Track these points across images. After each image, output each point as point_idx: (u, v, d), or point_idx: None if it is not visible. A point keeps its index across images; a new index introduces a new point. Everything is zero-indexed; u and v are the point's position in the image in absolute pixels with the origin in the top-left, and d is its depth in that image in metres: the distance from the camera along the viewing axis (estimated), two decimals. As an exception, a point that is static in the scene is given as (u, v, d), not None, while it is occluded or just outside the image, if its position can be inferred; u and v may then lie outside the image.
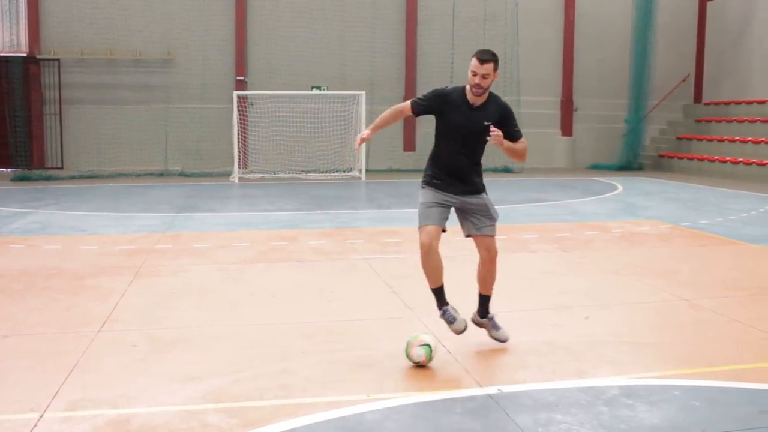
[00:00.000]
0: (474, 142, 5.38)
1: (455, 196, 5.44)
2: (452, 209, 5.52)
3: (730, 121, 23.13)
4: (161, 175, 21.67)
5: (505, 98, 21.51)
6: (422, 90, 23.94)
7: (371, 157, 22.65)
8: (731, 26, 24.79)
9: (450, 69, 23.74)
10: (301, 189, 18.01)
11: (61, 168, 21.68)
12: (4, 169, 21.29)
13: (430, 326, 6.20)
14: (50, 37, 21.63)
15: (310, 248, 9.88)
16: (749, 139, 21.47)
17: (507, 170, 23.44)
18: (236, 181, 20.09)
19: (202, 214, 13.47)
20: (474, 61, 5.21)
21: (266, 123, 22.01)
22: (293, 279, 8.12)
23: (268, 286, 7.83)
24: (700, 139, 23.62)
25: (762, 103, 22.44)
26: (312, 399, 4.68)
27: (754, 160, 20.49)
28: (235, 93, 21.14)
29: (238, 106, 20.91)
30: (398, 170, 23.17)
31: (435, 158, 5.52)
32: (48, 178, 20.37)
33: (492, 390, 4.78)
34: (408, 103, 5.54)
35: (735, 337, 6.00)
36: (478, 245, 5.55)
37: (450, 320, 5.44)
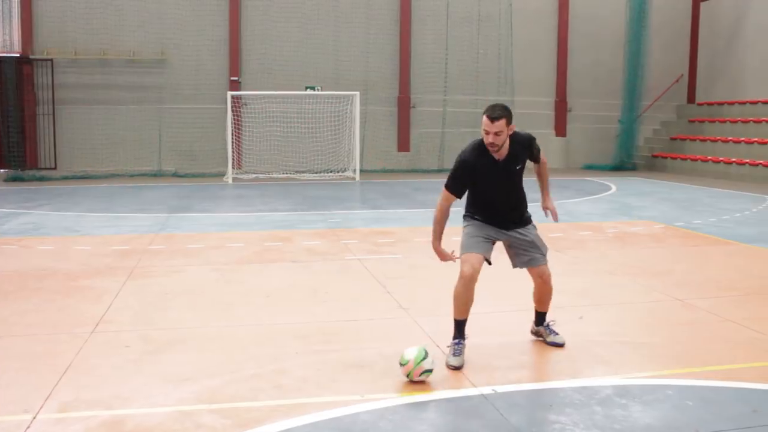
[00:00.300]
0: (512, 187, 5.39)
1: (501, 231, 5.44)
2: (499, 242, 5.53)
3: (724, 122, 23.21)
4: (155, 175, 21.64)
5: (500, 98, 21.55)
6: (415, 90, 24.08)
7: (365, 158, 22.66)
8: (724, 27, 24.87)
9: (444, 69, 23.77)
10: (295, 189, 17.99)
11: (55, 168, 21.62)
12: (-3, 170, 21.26)
13: (424, 326, 6.21)
14: (43, 37, 21.58)
15: (305, 249, 9.88)
16: (742, 139, 21.54)
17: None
18: (230, 181, 20.06)
19: (196, 215, 13.45)
20: (485, 120, 5.04)
21: (260, 123, 22.01)
22: (287, 279, 8.11)
23: (262, 286, 7.82)
24: (694, 140, 23.69)
25: (755, 103, 22.52)
26: (306, 399, 4.67)
27: (747, 161, 20.56)
28: (229, 93, 21.12)
29: (232, 107, 20.90)
30: (392, 170, 23.18)
31: (477, 204, 5.47)
32: (41, 179, 20.31)
33: (486, 390, 4.78)
34: (447, 193, 5.36)
35: (728, 336, 6.01)
36: (531, 273, 5.60)
37: (456, 353, 5.26)
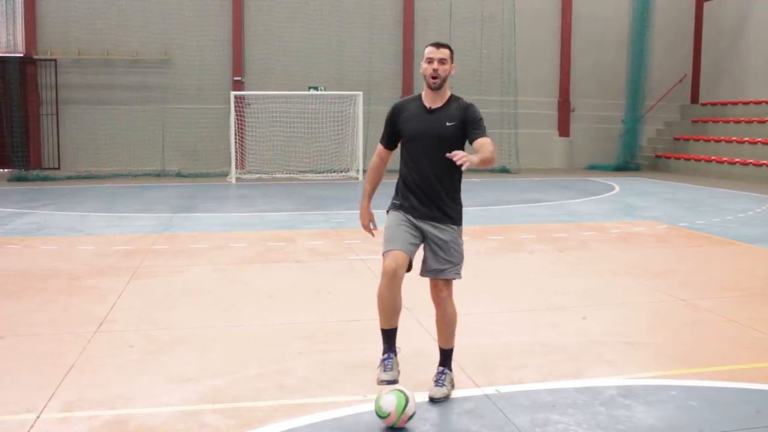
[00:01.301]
0: (439, 152, 4.55)
1: (421, 221, 4.66)
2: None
3: (727, 122, 23.18)
4: (158, 175, 21.67)
5: (503, 98, 21.45)
6: (418, 90, 23.95)
7: (368, 158, 22.62)
8: (728, 27, 24.83)
9: (447, 69, 23.73)
10: (298, 189, 18.00)
11: (58, 168, 21.66)
12: (1, 170, 21.29)
13: (427, 326, 6.20)
14: (47, 38, 21.62)
15: (307, 249, 9.88)
16: (746, 139, 21.51)
17: (504, 170, 23.47)
18: (233, 181, 20.08)
19: (200, 215, 13.46)
20: (429, 48, 4.72)
21: (263, 123, 22.02)
22: (290, 279, 8.11)
23: (265, 286, 7.82)
24: (697, 140, 23.66)
25: (758, 103, 22.48)
26: (309, 399, 4.67)
27: (751, 161, 20.52)
28: (233, 93, 21.14)
29: (235, 107, 20.92)
30: (395, 170, 23.12)
31: (401, 178, 4.81)
32: (45, 179, 20.34)
33: (489, 390, 4.78)
34: (379, 146, 4.93)
35: (732, 337, 6.00)
36: (431, 288, 4.71)
37: (387, 369, 4.58)
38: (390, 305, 4.57)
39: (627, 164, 24.19)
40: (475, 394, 4.74)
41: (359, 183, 19.95)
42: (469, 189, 18.25)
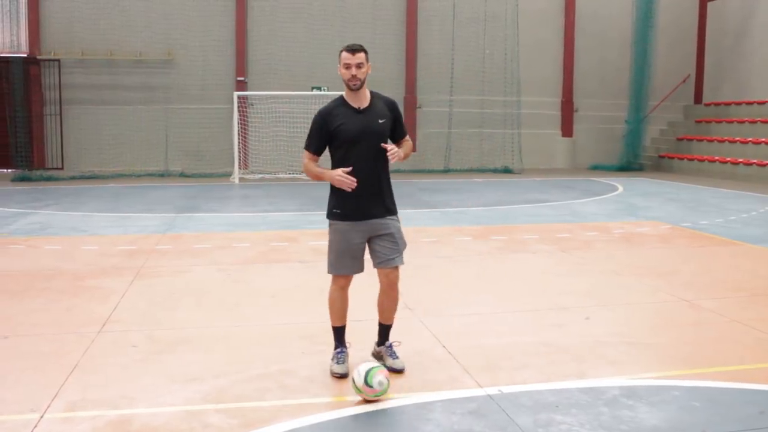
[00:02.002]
0: (375, 150, 4.83)
1: (363, 222, 4.93)
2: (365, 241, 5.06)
3: (731, 122, 23.14)
4: (162, 175, 21.68)
5: (506, 99, 21.42)
6: (422, 91, 24.08)
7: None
8: (732, 27, 24.79)
9: (450, 70, 23.75)
10: (301, 189, 18.01)
11: (62, 168, 21.68)
12: (5, 170, 21.30)
13: (430, 326, 6.21)
14: (51, 38, 21.65)
15: (311, 249, 9.88)
16: (749, 139, 21.47)
17: (507, 171, 23.47)
18: (236, 181, 20.09)
19: (203, 215, 13.47)
20: (345, 54, 4.84)
21: (267, 123, 22.03)
22: (293, 279, 8.12)
23: (268, 286, 7.83)
24: (701, 140, 23.62)
25: (762, 103, 22.44)
26: (312, 399, 4.68)
27: (755, 161, 20.49)
28: (236, 93, 21.15)
29: (238, 107, 20.92)
30: (398, 170, 23.17)
31: (337, 187, 4.91)
32: (48, 179, 20.37)
33: (492, 390, 4.78)
34: (306, 153, 5.01)
35: (735, 337, 6.00)
36: (380, 274, 5.07)
37: (340, 362, 5.03)
38: (340, 307, 5.16)
39: (630, 164, 24.15)
40: (479, 394, 4.74)
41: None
42: (472, 189, 18.27)
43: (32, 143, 21.35)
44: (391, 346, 5.25)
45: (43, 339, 5.93)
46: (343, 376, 4.96)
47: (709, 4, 25.96)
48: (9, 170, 21.06)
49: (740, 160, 21.05)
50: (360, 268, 5.09)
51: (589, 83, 25.33)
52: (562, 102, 25.31)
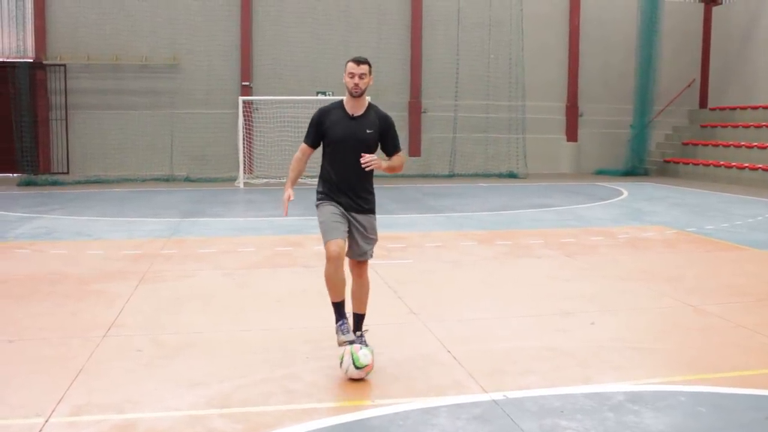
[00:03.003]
0: (359, 154, 5.30)
1: (346, 212, 5.42)
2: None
3: (736, 127, 23.10)
4: (167, 180, 21.73)
5: (511, 103, 21.44)
6: (427, 96, 24.09)
7: (376, 163, 22.61)
8: (737, 31, 24.77)
9: (455, 74, 23.77)
10: (306, 194, 17.95)
11: (67, 173, 21.74)
12: (11, 174, 21.38)
13: (435, 331, 6.20)
14: (57, 43, 21.72)
15: (315, 253, 9.88)
16: (755, 144, 21.43)
17: (512, 175, 23.46)
18: (241, 186, 20.12)
19: (208, 219, 13.49)
20: (350, 64, 5.33)
21: (271, 128, 22.05)
22: (298, 284, 8.12)
23: (273, 291, 7.83)
24: (706, 145, 23.59)
25: (767, 108, 22.41)
26: (317, 404, 4.67)
27: (760, 166, 20.45)
28: (241, 98, 21.20)
29: (243, 112, 20.97)
30: (403, 175, 23.16)
31: (325, 176, 5.48)
32: (54, 183, 20.43)
33: (497, 396, 4.77)
34: (302, 144, 5.57)
35: (741, 342, 5.98)
36: (352, 265, 5.57)
37: (345, 332, 5.34)
38: (337, 282, 5.36)
39: (635, 169, 24.13)
40: (483, 399, 4.73)
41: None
42: (477, 194, 18.26)
43: (38, 148, 21.43)
44: (362, 335, 5.56)
45: (48, 343, 5.93)
46: (352, 343, 5.24)
47: (714, 9, 25.95)
48: (15, 175, 21.12)
49: (746, 164, 21.01)
50: (345, 236, 5.40)
51: (593, 88, 25.32)
52: (567, 107, 25.31)
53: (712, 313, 6.84)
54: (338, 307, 5.44)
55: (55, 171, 21.71)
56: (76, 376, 5.11)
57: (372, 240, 5.53)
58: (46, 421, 4.35)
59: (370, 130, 5.38)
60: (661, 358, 5.64)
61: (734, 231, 11.95)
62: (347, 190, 5.40)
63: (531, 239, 11.08)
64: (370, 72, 5.38)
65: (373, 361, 5.08)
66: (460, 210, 14.90)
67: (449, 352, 5.64)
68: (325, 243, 5.35)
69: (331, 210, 5.39)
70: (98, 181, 21.04)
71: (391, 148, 5.53)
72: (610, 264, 9.27)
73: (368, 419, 4.42)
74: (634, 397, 4.74)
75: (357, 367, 5.00)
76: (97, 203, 16.07)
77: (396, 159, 5.56)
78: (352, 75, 5.32)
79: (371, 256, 5.58)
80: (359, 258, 5.52)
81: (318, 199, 5.51)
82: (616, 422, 4.36)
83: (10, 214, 14.03)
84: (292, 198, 5.50)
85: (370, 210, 5.51)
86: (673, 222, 12.98)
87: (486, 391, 4.85)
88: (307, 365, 5.38)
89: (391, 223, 13.02)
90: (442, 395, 4.80)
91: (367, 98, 5.49)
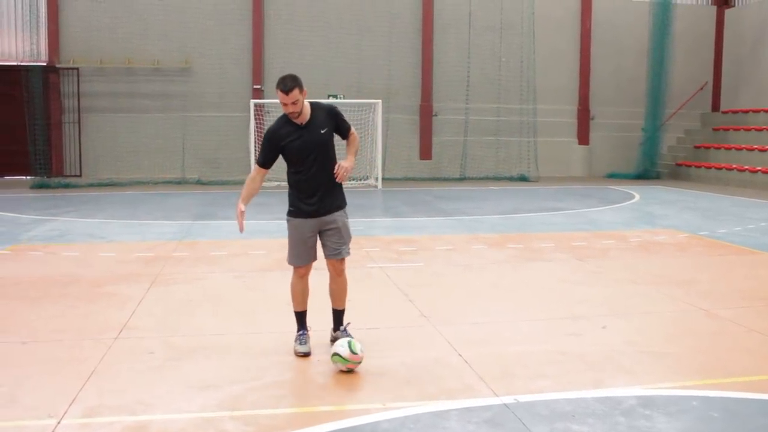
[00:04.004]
0: (322, 157, 5.58)
1: (315, 219, 5.62)
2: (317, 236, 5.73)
3: (749, 130, 22.98)
4: (179, 183, 21.80)
5: (522, 107, 21.45)
6: (438, 99, 24.09)
7: (387, 166, 22.68)
8: (749, 34, 24.65)
9: (466, 78, 23.76)
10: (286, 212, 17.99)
11: (80, 176, 21.85)
12: (24, 177, 21.50)
13: (446, 334, 6.20)
14: (70, 47, 21.85)
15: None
16: (768, 147, 21.33)
17: (523, 179, 23.42)
18: (253, 189, 20.11)
19: (219, 222, 13.53)
20: (280, 94, 5.40)
21: (283, 131, 22.06)
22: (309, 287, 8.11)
23: (284, 294, 7.79)
24: (718, 148, 23.48)
25: (781, 111, 22.30)
26: (327, 407, 4.68)
27: (773, 169, 20.34)
28: (252, 101, 21.25)
29: (254, 115, 21.01)
30: (414, 178, 23.18)
31: (293, 185, 5.67)
32: (66, 186, 20.54)
33: (508, 399, 4.77)
34: (256, 166, 5.71)
35: (753, 347, 5.95)
36: (329, 264, 5.78)
37: (303, 342, 5.67)
38: (301, 294, 5.78)
39: (647, 173, 24.03)
40: (494, 403, 4.72)
41: (378, 191, 19.98)
42: (488, 197, 18.24)
43: (51, 151, 21.53)
44: (345, 330, 5.82)
45: (60, 345, 5.97)
46: (306, 355, 5.59)
47: (727, 11, 25.83)
48: (28, 177, 21.25)
49: (758, 168, 20.89)
50: (314, 257, 5.74)
51: (605, 91, 25.25)
52: (579, 110, 25.24)
53: (725, 318, 6.80)
54: (300, 317, 5.79)
55: (68, 174, 21.82)
56: (88, 378, 5.13)
57: (345, 238, 5.72)
58: (59, 423, 4.38)
59: (323, 129, 5.59)
60: (673, 362, 5.61)
61: (747, 235, 11.89)
62: (317, 192, 5.60)
63: (542, 242, 11.06)
64: (301, 90, 5.42)
65: (363, 356, 5.25)
66: (471, 213, 14.89)
67: (460, 355, 5.63)
68: (294, 266, 5.72)
69: (299, 236, 5.64)
70: (110, 184, 21.14)
71: (344, 132, 5.79)
72: (622, 267, 9.24)
73: (378, 422, 4.42)
74: (646, 402, 4.72)
75: (352, 351, 5.20)
76: (110, 206, 16.14)
77: (352, 141, 5.82)
78: (285, 105, 5.44)
79: (348, 253, 5.76)
80: (335, 257, 5.72)
81: (288, 213, 5.71)
82: (627, 427, 4.34)
83: (24, 216, 14.11)
84: (244, 212, 5.58)
85: (341, 205, 5.74)
86: (685, 225, 12.92)
87: (497, 395, 4.84)
88: (317, 368, 5.39)
89: (402, 226, 13.01)
90: (453, 399, 4.80)
91: (306, 102, 5.59)
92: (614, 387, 5.02)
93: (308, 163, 5.56)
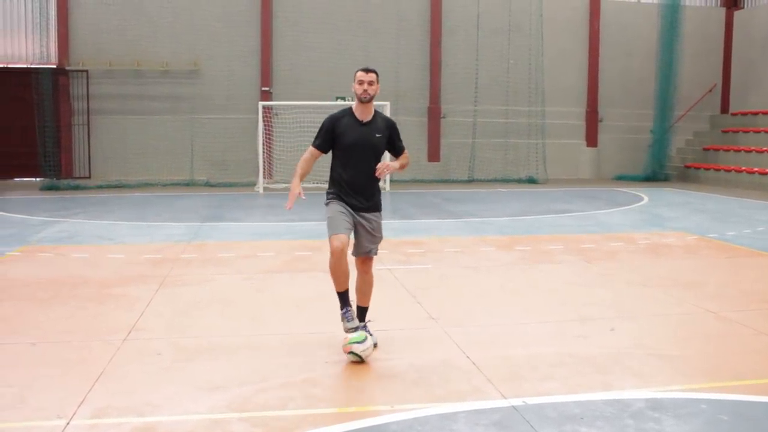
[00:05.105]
0: (370, 156, 5.79)
1: (354, 212, 5.79)
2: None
3: (758, 132, 22.90)
4: (187, 184, 21.85)
5: (530, 109, 21.52)
6: (446, 101, 24.10)
7: (395, 168, 22.63)
8: (758, 35, 24.56)
9: (474, 80, 23.74)
10: (325, 199, 18.01)
11: (89, 178, 21.93)
12: (33, 179, 21.60)
13: (454, 336, 6.19)
14: (79, 49, 21.94)
15: (334, 258, 9.89)
16: (777, 149, 21.24)
17: (531, 181, 23.39)
18: (261, 191, 20.19)
19: (227, 224, 13.55)
20: (359, 73, 5.74)
21: (291, 133, 22.09)
22: (317, 289, 8.12)
23: (293, 295, 7.86)
24: (727, 150, 23.39)
25: (790, 113, 22.21)
26: (336, 409, 4.68)
27: (783, 171, 20.25)
28: (261, 103, 21.28)
29: (263, 117, 21.05)
30: (422, 180, 23.17)
31: (336, 178, 5.84)
32: (76, 188, 20.61)
33: (516, 402, 4.76)
34: (311, 147, 5.91)
35: (762, 349, 5.93)
36: (358, 262, 5.95)
37: (349, 319, 5.79)
38: (341, 274, 5.73)
39: (656, 175, 23.96)
40: (503, 405, 4.72)
41: (386, 193, 19.97)
42: (497, 200, 18.22)
43: (60, 152, 21.62)
44: (365, 326, 5.88)
45: (69, 346, 5.99)
46: (357, 329, 5.70)
47: (736, 13, 25.75)
48: (38, 179, 21.34)
49: (767, 170, 20.83)
50: (350, 230, 5.75)
51: (614, 93, 25.21)
52: (587, 112, 25.20)
53: (733, 320, 6.78)
54: (342, 296, 5.82)
55: (77, 175, 21.91)
56: (97, 379, 5.15)
57: (377, 238, 5.88)
58: (68, 424, 4.39)
59: (379, 134, 5.80)
60: (682, 364, 5.60)
61: (756, 237, 11.84)
62: (358, 191, 5.78)
63: (550, 245, 11.04)
64: (377, 80, 5.80)
65: (353, 351, 5.48)
66: (479, 215, 14.88)
67: (468, 357, 5.63)
68: (330, 237, 5.66)
69: (339, 209, 5.74)
70: (119, 186, 21.21)
71: (398, 150, 5.98)
72: (630, 270, 9.22)
73: (387, 424, 4.42)
74: (655, 404, 4.71)
75: (351, 342, 5.50)
76: (118, 207, 16.20)
77: (403, 158, 6.01)
78: (361, 82, 5.73)
79: (376, 253, 5.92)
80: (364, 255, 5.89)
81: (328, 198, 5.86)
82: (636, 429, 4.33)
83: (33, 218, 14.17)
84: (302, 195, 5.71)
85: (377, 206, 5.89)
86: (694, 228, 12.88)
87: (505, 397, 4.84)
88: (326, 370, 5.39)
89: (410, 228, 13.01)
90: (461, 401, 4.80)
91: (373, 104, 5.86)
92: (623, 389, 5.00)
93: (355, 159, 5.73)
